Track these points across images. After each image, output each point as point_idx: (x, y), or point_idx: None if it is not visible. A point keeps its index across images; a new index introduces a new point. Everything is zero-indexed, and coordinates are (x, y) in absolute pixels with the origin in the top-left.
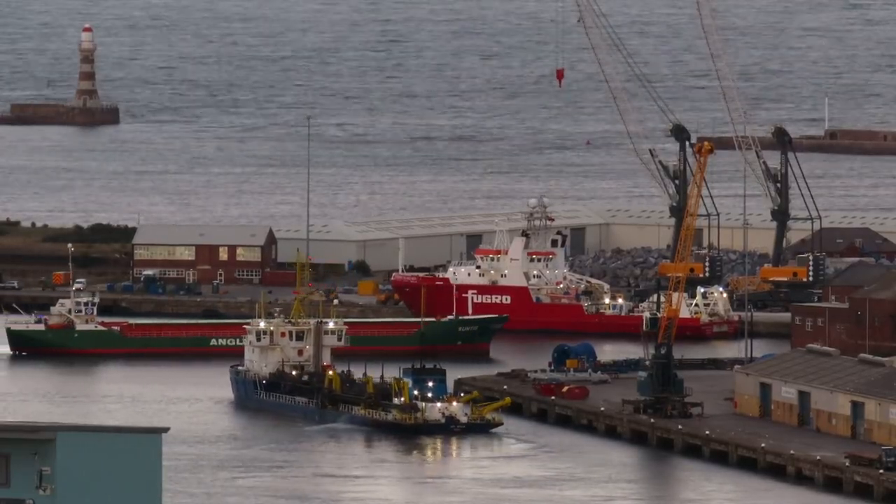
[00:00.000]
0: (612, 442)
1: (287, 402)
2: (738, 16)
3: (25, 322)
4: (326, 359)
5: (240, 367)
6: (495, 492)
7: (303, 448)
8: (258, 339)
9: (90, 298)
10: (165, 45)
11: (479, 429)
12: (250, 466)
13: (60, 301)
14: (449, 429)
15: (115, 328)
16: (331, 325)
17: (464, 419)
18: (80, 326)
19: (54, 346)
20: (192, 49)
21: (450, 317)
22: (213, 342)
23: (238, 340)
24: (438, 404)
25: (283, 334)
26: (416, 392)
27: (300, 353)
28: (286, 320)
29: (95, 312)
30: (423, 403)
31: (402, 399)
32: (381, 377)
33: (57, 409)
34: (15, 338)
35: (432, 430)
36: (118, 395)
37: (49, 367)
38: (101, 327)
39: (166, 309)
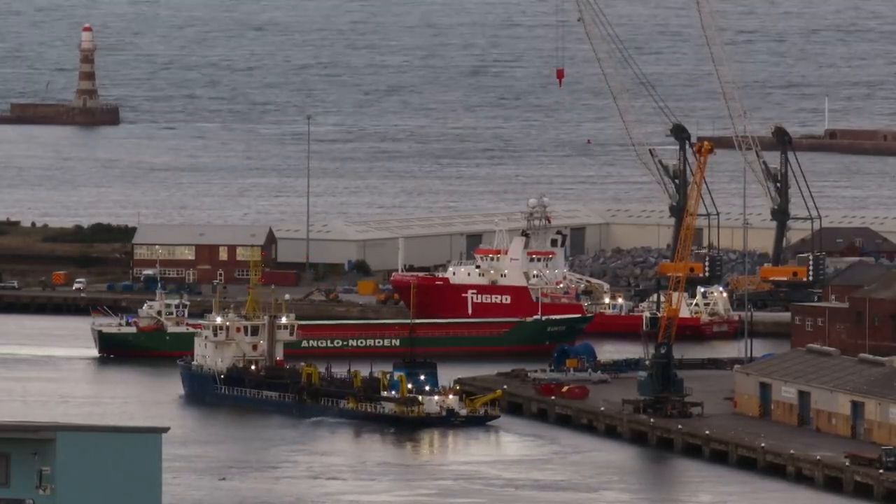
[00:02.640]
0: (612, 442)
1: (254, 396)
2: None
3: (116, 325)
4: (279, 354)
5: (193, 363)
6: (517, 494)
7: (315, 448)
8: (215, 335)
9: (180, 301)
10: (167, 43)
11: (478, 421)
12: (255, 468)
13: (148, 303)
14: (449, 421)
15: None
16: (283, 320)
17: (463, 412)
18: (171, 329)
19: (146, 348)
20: (194, 50)
21: (536, 317)
22: (305, 343)
23: (329, 342)
24: (436, 397)
25: (238, 329)
26: (409, 385)
27: (254, 347)
28: (240, 315)
29: (186, 315)
30: (422, 396)
31: (394, 392)
32: (349, 371)
33: (142, 411)
34: (106, 340)
35: (433, 423)
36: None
37: (141, 368)
38: (191, 329)
39: None
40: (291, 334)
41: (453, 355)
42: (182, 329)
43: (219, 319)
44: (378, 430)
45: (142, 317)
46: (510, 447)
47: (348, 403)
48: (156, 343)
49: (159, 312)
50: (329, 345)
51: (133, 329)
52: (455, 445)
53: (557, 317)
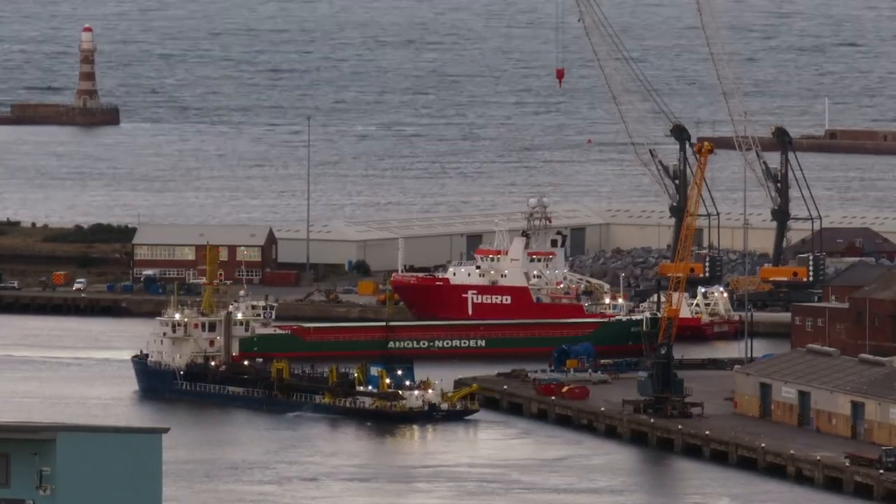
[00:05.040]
0: (612, 442)
1: (218, 391)
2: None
3: None
4: (235, 349)
5: (150, 359)
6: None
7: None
8: (174, 331)
9: (265, 303)
10: (166, 43)
11: (458, 416)
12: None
13: (234, 305)
14: (431, 416)
15: (287, 331)
16: (239, 316)
17: (443, 407)
18: (259, 331)
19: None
20: (193, 48)
21: (619, 317)
22: (392, 345)
23: (416, 343)
24: (416, 392)
25: (195, 325)
26: (388, 380)
27: (212, 343)
28: (198, 312)
29: (274, 317)
30: (402, 391)
31: (371, 387)
32: (312, 367)
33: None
34: None
35: (416, 417)
36: None
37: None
38: (279, 331)
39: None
40: (247, 330)
41: (537, 356)
42: (269, 331)
43: (177, 316)
44: (357, 424)
45: None
46: (519, 448)
47: (324, 398)
48: (243, 344)
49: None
50: (416, 346)
51: None
52: (458, 446)
53: (640, 317)
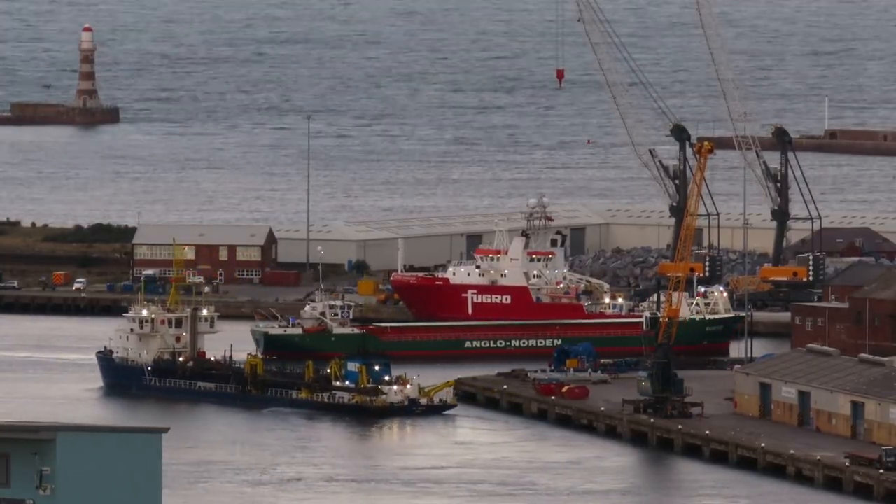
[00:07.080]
0: (612, 442)
1: (188, 387)
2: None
3: (278, 326)
4: (201, 345)
5: (116, 355)
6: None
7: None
8: (141, 327)
9: (341, 302)
10: (166, 42)
11: (436, 410)
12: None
13: (311, 304)
14: (410, 411)
15: (362, 331)
16: (204, 312)
17: (423, 402)
18: (336, 330)
19: (311, 349)
20: (193, 46)
21: (692, 317)
22: (468, 344)
23: (493, 342)
24: (395, 387)
25: (162, 322)
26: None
27: (178, 339)
28: (165, 308)
29: (351, 316)
30: (382, 386)
31: (348, 382)
32: (283, 364)
33: None
34: (271, 341)
35: (395, 412)
36: None
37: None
38: (356, 330)
39: None
40: (212, 326)
41: (606, 356)
42: (347, 330)
43: (144, 312)
44: (337, 421)
45: (305, 318)
46: (520, 449)
47: (301, 394)
48: (321, 344)
49: (323, 313)
50: (492, 345)
51: (299, 330)
52: (457, 447)
53: (714, 317)
